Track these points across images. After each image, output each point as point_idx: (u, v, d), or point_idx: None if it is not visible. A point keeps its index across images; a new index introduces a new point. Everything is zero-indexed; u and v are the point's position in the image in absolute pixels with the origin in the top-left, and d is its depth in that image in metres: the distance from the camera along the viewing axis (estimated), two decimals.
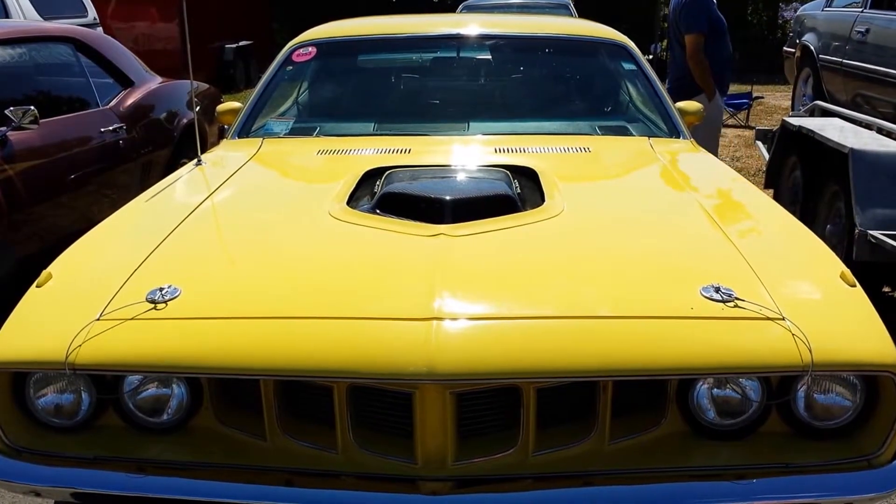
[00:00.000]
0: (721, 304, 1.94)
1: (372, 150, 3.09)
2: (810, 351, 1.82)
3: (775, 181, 5.49)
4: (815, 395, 1.93)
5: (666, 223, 2.48)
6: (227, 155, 3.23)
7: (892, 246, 3.82)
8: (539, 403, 1.90)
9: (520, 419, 1.87)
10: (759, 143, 6.14)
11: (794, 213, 5.18)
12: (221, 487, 1.88)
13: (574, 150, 3.16)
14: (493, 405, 1.93)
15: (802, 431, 1.96)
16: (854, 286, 2.07)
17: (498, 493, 1.87)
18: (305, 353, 1.83)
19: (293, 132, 3.45)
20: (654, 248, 2.28)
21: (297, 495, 1.87)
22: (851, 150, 4.15)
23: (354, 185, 2.67)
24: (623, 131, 3.47)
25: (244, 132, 3.46)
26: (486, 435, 1.94)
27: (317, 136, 3.39)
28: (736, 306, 1.93)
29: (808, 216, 4.84)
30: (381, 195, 2.49)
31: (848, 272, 2.11)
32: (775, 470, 1.92)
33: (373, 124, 3.45)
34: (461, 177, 2.70)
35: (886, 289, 4.82)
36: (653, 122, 3.55)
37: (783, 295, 1.99)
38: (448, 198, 2.42)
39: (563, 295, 2.02)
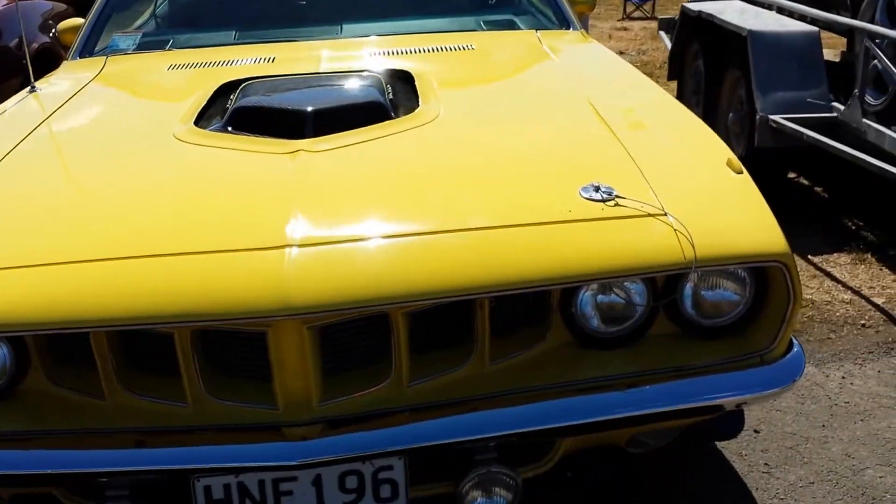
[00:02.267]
0: (601, 204, 1.77)
1: (230, 62, 2.80)
2: (693, 246, 1.68)
3: (679, 72, 5.35)
4: (702, 293, 1.80)
5: (548, 122, 2.29)
6: (64, 78, 2.89)
7: (793, 130, 3.73)
8: (413, 329, 1.73)
9: (391, 349, 1.70)
10: (663, 34, 5.98)
11: (696, 103, 5.10)
12: (63, 456, 1.68)
13: (456, 48, 2.93)
14: (362, 336, 1.75)
15: (693, 331, 1.84)
16: (741, 173, 1.93)
17: (372, 430, 1.70)
18: (136, 297, 1.61)
19: (142, 47, 3.10)
20: (534, 151, 2.10)
21: (148, 457, 1.67)
22: (750, 31, 4.02)
23: (206, 102, 2.40)
24: (510, 25, 3.24)
25: (86, 51, 3.10)
26: (359, 369, 1.77)
27: (170, 49, 3.06)
28: (616, 205, 1.77)
29: (710, 106, 4.73)
30: (233, 110, 2.24)
31: (735, 159, 1.96)
32: (667, 375, 1.80)
33: (234, 32, 3.13)
34: (326, 85, 2.45)
35: (793, 174, 4.78)
36: (542, 13, 3.32)
37: (666, 189, 1.84)
38: (309, 109, 2.18)
39: (431, 208, 1.83)
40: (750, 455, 2.50)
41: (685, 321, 1.83)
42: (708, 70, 4.79)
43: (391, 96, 2.37)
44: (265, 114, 2.20)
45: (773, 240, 1.73)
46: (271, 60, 2.81)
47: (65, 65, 3.10)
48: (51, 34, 4.12)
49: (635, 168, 1.92)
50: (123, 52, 3.10)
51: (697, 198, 1.85)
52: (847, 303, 3.37)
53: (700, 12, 4.74)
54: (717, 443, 2.55)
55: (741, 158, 4.28)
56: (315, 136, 2.11)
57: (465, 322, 1.76)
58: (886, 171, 3.37)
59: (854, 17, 3.88)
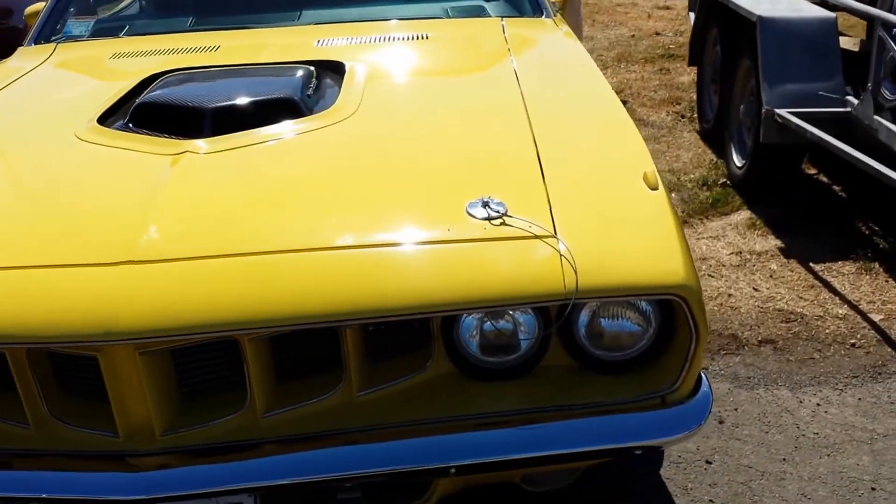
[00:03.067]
0: (485, 223, 1.59)
1: (175, 51, 2.67)
2: (576, 273, 1.49)
3: (699, 57, 5.05)
4: (600, 323, 1.61)
5: (469, 125, 2.10)
6: (9, 67, 2.80)
7: (797, 125, 3.44)
8: (274, 353, 1.59)
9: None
10: (691, 15, 5.65)
11: (714, 92, 4.80)
12: None
13: (410, 37, 2.75)
14: (216, 361, 1.61)
15: (591, 365, 1.65)
16: (655, 189, 1.72)
17: (220, 464, 1.57)
18: None
19: (96, 34, 2.98)
20: (440, 158, 1.91)
21: None
22: (760, 17, 3.72)
23: (122, 97, 2.27)
24: (477, 12, 3.03)
25: (42, 37, 3.00)
26: (216, 396, 1.63)
27: (123, 35, 2.94)
28: (503, 223, 1.59)
29: (725, 96, 4.44)
30: (135, 107, 2.10)
31: (652, 174, 1.75)
32: (560, 413, 1.62)
33: (191, 18, 3.01)
34: (244, 78, 2.29)
35: (812, 171, 4.47)
36: None
37: (567, 206, 1.65)
38: (209, 106, 2.04)
39: (294, 224, 1.66)
40: (696, 489, 2.30)
41: (581, 353, 1.64)
42: (724, 57, 4.49)
43: (311, 91, 2.21)
44: (165, 110, 2.06)
45: (673, 270, 1.53)
46: (215, 49, 2.67)
47: (18, 51, 3.01)
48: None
49: (541, 181, 1.73)
50: (77, 38, 2.99)
51: (598, 218, 1.65)
52: (840, 318, 3.10)
53: None
54: (662, 472, 2.36)
55: (750, 154, 4.06)
56: (213, 134, 1.97)
57: (334, 346, 1.60)
58: (889, 177, 3.08)
59: (872, 3, 3.56)
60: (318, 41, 2.71)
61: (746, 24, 3.93)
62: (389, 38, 2.73)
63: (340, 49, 2.61)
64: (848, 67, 3.68)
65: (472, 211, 1.62)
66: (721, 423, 2.56)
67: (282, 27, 2.90)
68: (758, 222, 3.89)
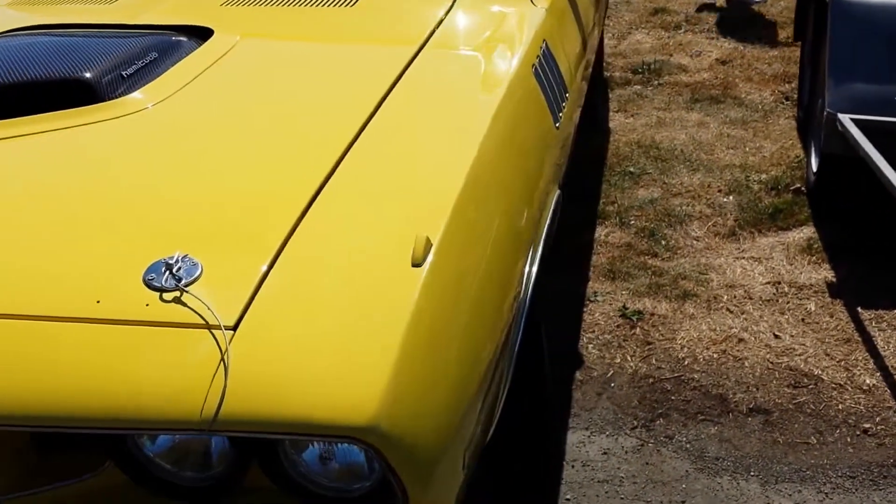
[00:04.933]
0: (154, 296, 1.20)
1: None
2: (223, 393, 1.08)
3: (803, 31, 4.26)
4: (301, 455, 1.20)
5: (272, 141, 1.66)
6: None
7: (854, 138, 2.74)
8: None
9: None
10: None
11: (806, 77, 4.05)
12: None
13: (335, 2, 2.34)
14: None
15: (304, 497, 1.25)
16: (418, 265, 1.25)
17: None
18: None
19: None
20: (195, 188, 1.51)
21: None
22: None
23: None
24: None
25: None
26: None
27: None
28: (175, 300, 1.19)
29: (813, 83, 3.70)
30: None
31: (425, 242, 1.27)
32: None
33: None
34: (63, 46, 1.92)
35: None
36: None
37: (285, 283, 1.23)
38: None
39: None
40: None
41: (288, 482, 1.24)
42: (814, 38, 3.73)
43: (137, 69, 1.83)
44: None
45: (359, 405, 1.09)
46: (111, 2, 2.37)
47: None
48: None
49: (281, 239, 1.30)
50: None
51: (314, 304, 1.22)
52: (864, 391, 2.47)
53: None
54: None
55: (819, 161, 3.34)
56: None
57: None
58: None
59: None
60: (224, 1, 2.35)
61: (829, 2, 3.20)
62: (310, 2, 2.33)
63: (246, 11, 2.26)
64: None
65: (148, 277, 1.23)
66: None
67: None
68: (816, 245, 3.21)
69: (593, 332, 2.81)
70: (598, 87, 4.82)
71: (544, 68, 2.15)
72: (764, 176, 3.84)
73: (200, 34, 2.08)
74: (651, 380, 2.56)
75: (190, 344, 1.14)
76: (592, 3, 3.29)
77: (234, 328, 1.15)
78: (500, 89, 1.86)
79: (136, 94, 1.76)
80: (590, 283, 3.10)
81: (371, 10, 2.35)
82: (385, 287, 1.23)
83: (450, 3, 2.35)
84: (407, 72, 1.90)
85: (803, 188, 3.65)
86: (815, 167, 3.52)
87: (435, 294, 1.25)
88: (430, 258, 1.26)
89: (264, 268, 1.25)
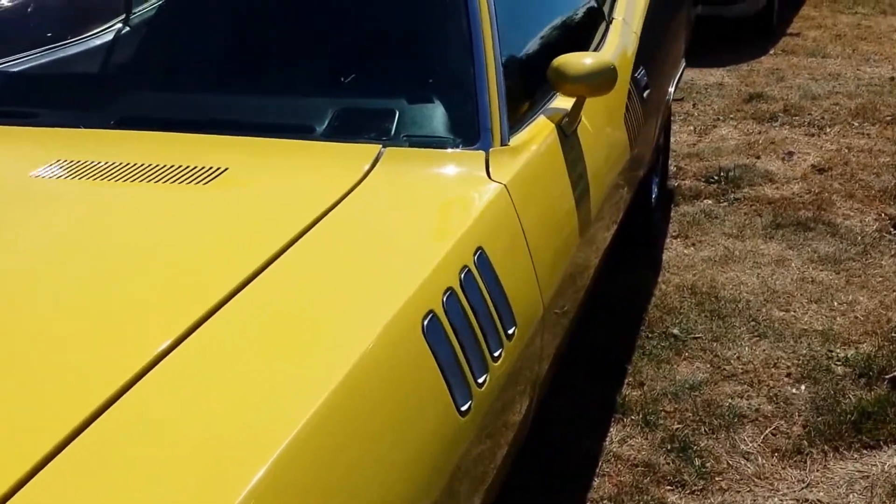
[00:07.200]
0: None
1: None
2: None
3: None
4: None
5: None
6: None
7: None
8: None
9: None
10: None
11: None
12: None
13: (197, 169, 1.64)
14: None
15: None
16: None
17: None
18: None
19: None
20: None
21: None
22: None
23: None
24: (355, 132, 1.81)
25: None
26: None
27: None
28: None
29: None
30: None
31: None
32: None
33: None
34: None
35: None
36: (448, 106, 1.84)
37: None
38: None
39: None
40: None
41: None
42: None
43: None
44: None
45: None
46: None
47: None
48: None
49: None
50: None
51: None
52: None
53: None
54: None
55: None
56: None
57: None
58: None
59: None
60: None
61: None
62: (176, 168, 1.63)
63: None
64: None
65: None
66: None
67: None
68: None
69: None
70: (659, 203, 3.96)
71: (456, 312, 1.38)
72: (851, 352, 2.90)
73: None
74: None
75: None
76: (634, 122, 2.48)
77: None
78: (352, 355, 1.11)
79: None
80: None
81: (233, 189, 1.63)
82: None
83: (363, 168, 1.61)
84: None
85: None
86: None
87: None
88: None
89: None
